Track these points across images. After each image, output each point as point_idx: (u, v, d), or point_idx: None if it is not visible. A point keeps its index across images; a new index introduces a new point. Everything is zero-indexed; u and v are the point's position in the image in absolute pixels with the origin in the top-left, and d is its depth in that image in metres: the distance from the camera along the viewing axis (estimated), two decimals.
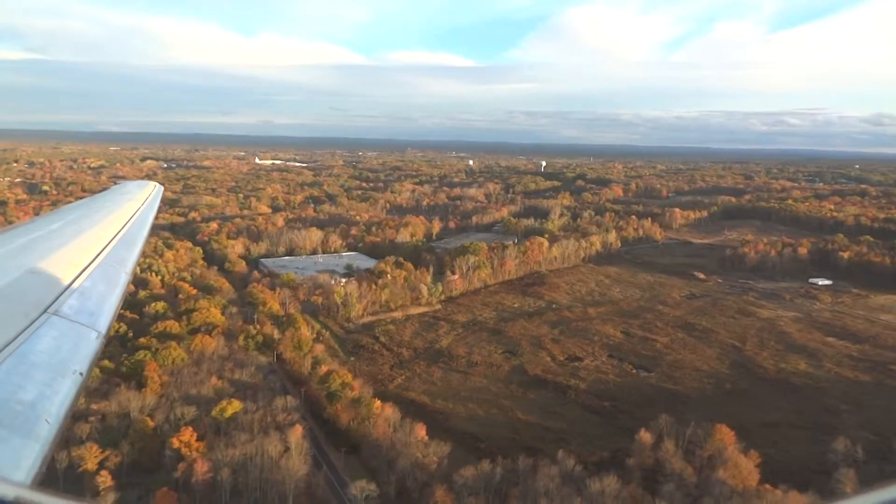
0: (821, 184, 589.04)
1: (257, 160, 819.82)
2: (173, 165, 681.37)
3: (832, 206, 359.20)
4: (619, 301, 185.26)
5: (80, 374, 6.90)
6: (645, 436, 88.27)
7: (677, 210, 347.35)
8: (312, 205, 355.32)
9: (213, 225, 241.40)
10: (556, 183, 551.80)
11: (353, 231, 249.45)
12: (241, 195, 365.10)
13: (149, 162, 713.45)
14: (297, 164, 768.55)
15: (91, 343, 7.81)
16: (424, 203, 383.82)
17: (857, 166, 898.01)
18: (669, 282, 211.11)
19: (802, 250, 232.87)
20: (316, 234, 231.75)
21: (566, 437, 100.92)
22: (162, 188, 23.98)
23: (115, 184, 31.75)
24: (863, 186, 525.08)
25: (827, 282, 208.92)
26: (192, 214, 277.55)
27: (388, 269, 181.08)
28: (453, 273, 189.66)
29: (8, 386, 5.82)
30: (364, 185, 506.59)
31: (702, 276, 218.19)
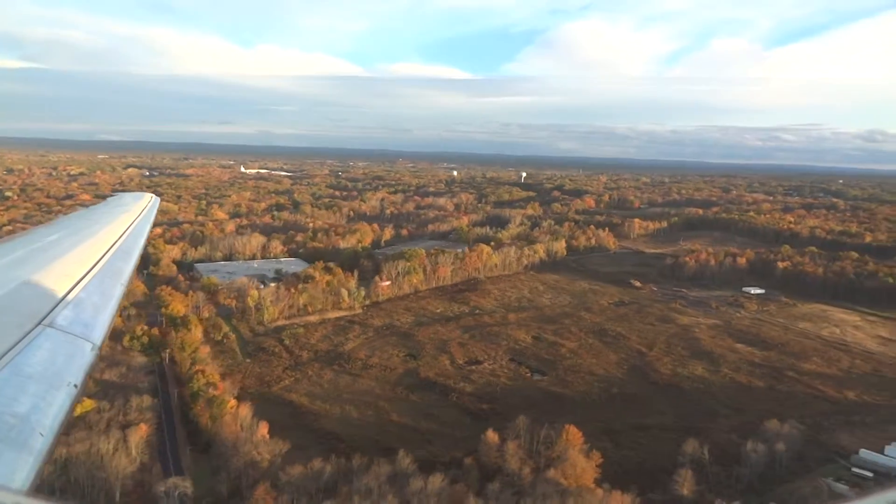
0: (797, 197, 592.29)
1: (242, 169, 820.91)
2: (155, 173, 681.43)
3: (792, 219, 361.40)
4: (544, 307, 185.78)
5: (75, 385, 6.79)
6: (492, 436, 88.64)
7: (637, 220, 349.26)
8: (275, 212, 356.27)
9: (157, 230, 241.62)
10: (531, 193, 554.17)
11: (299, 237, 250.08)
12: (203, 202, 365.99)
13: (130, 170, 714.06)
14: (283, 174, 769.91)
15: (86, 355, 7.68)
16: (389, 211, 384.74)
17: (841, 181, 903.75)
18: (604, 289, 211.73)
19: (742, 260, 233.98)
20: (257, 240, 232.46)
21: (432, 438, 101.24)
22: (158, 200, 24.11)
23: (112, 195, 31.75)
24: (835, 200, 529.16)
25: (759, 291, 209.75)
26: None
27: (316, 274, 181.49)
28: (382, 279, 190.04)
29: (2, 398, 5.74)
30: (337, 193, 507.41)
31: (638, 284, 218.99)
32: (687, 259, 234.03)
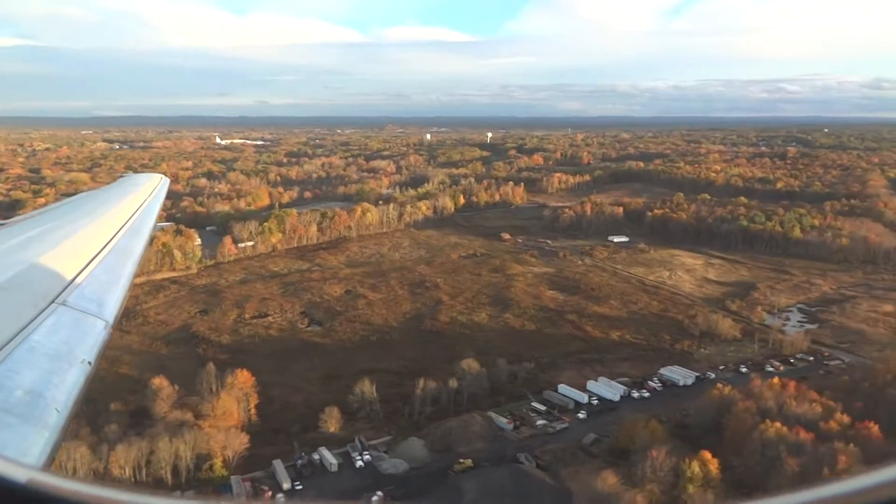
0: (765, 147, 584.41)
1: (217, 140, 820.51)
2: (126, 146, 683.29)
3: (719, 168, 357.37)
4: (388, 262, 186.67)
5: (88, 363, 6.93)
6: (158, 382, 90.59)
7: (557, 175, 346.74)
8: (203, 179, 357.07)
9: (42, 199, 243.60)
10: (485, 153, 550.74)
11: (185, 202, 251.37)
12: (126, 171, 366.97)
13: (100, 143, 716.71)
14: (253, 143, 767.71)
15: (98, 332, 7.82)
16: (316, 176, 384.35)
17: (826, 130, 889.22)
18: (469, 243, 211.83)
19: (619, 210, 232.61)
20: None
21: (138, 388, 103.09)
22: (168, 180, 24.51)
23: (123, 175, 33.37)
24: (790, 150, 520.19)
25: (623, 239, 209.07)
26: (47, 190, 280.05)
27: (159, 236, 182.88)
28: (231, 240, 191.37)
29: (18, 375, 5.83)
30: (285, 160, 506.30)
31: (507, 236, 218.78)
32: (563, 212, 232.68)
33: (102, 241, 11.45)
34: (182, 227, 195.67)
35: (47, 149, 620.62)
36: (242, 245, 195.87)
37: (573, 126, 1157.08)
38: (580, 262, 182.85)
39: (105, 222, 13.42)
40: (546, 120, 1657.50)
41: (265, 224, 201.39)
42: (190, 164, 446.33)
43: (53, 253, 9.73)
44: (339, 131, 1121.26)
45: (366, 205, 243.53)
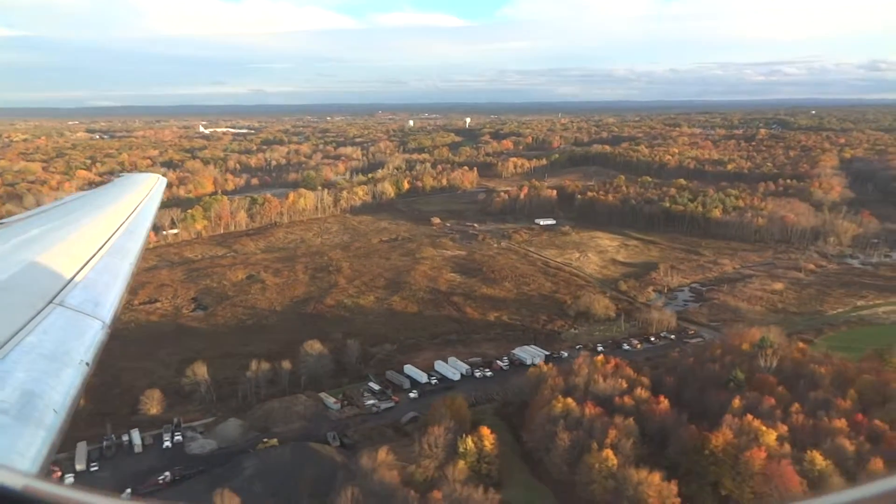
0: (736, 131, 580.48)
1: (201, 128, 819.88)
2: (105, 136, 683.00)
3: (676, 151, 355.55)
4: (305, 247, 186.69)
5: (86, 364, 6.87)
6: None
7: (512, 160, 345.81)
8: (162, 168, 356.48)
9: None
10: (458, 139, 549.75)
11: None
12: (87, 160, 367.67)
13: (79, 133, 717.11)
14: (241, 131, 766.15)
15: (96, 333, 7.76)
16: (275, 163, 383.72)
17: (813, 112, 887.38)
18: (397, 228, 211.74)
19: (553, 193, 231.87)
20: (66, 193, 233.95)
21: None
22: (165, 180, 24.55)
23: (119, 175, 33.72)
24: (762, 132, 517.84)
25: (550, 221, 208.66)
26: None
27: None
28: (157, 228, 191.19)
29: (15, 376, 5.79)
30: (254, 147, 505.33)
31: (437, 221, 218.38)
32: (497, 196, 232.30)
33: (99, 242, 11.39)
34: None
35: (25, 139, 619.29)
36: (165, 232, 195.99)
37: (569, 111, 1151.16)
38: (496, 245, 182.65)
39: (102, 222, 13.26)
40: (542, 105, 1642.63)
41: (189, 211, 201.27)
42: (157, 152, 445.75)
43: (50, 253, 9.67)
44: (328, 118, 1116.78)
45: (302, 191, 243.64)
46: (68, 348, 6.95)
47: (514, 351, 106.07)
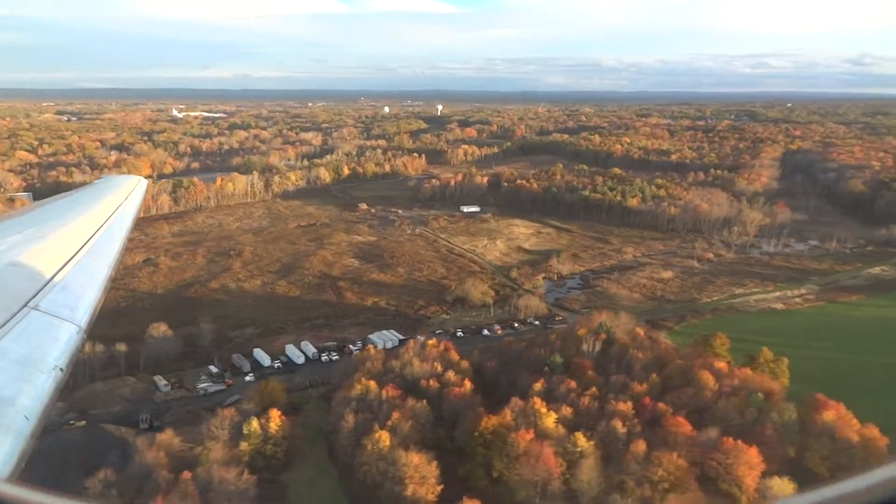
0: (700, 122, 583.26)
1: (174, 112, 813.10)
2: (73, 118, 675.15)
3: (628, 140, 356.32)
4: (221, 231, 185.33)
5: (60, 369, 6.73)
6: None
7: (462, 148, 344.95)
8: (114, 152, 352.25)
9: None
10: (423, 126, 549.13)
11: (53, 172, 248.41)
12: (34, 142, 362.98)
13: (47, 115, 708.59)
14: (215, 116, 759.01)
15: (71, 338, 7.62)
16: (227, 148, 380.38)
17: (790, 105, 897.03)
18: (321, 213, 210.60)
19: (484, 181, 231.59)
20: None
21: None
22: (147, 182, 24.11)
23: (100, 178, 31.64)
24: (722, 124, 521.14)
25: (475, 209, 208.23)
26: None
27: None
28: None
29: None
30: (215, 130, 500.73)
31: (363, 206, 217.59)
32: (426, 183, 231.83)
33: (77, 244, 11.15)
34: (19, 196, 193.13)
35: None
36: None
37: (556, 101, 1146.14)
38: (409, 232, 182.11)
39: (81, 225, 13.07)
40: (529, 94, 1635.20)
41: None
42: (113, 135, 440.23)
43: (28, 255, 9.49)
44: (309, 104, 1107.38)
45: (234, 175, 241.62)
46: (42, 353, 6.86)
47: (369, 336, 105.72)
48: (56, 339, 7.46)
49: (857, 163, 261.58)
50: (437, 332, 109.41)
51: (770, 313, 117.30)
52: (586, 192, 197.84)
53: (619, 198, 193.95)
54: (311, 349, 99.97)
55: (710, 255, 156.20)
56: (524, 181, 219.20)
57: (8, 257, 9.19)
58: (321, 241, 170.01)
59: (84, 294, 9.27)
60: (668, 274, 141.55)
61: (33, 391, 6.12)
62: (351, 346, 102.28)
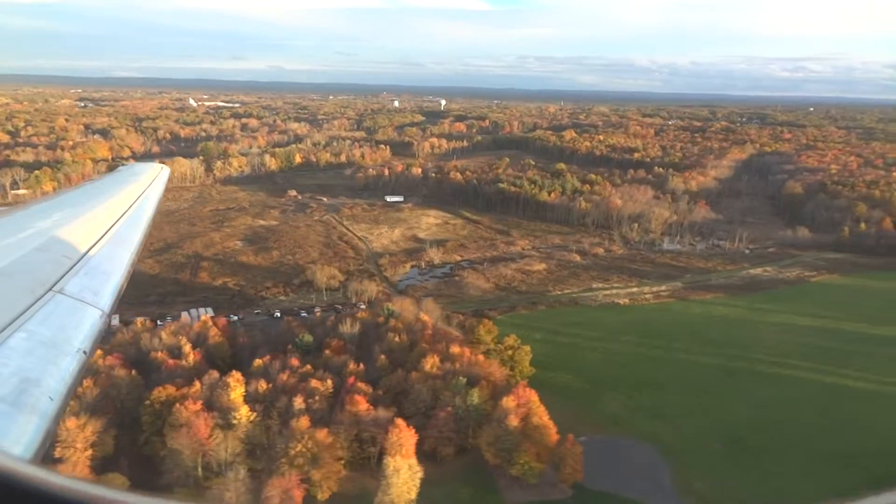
0: (699, 122, 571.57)
1: (191, 101, 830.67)
2: (90, 105, 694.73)
3: (601, 138, 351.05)
4: None
5: (84, 352, 6.90)
6: None
7: (430, 141, 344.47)
8: (93, 136, 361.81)
9: None
10: (417, 119, 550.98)
11: (7, 152, 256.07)
12: (21, 125, 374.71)
13: (63, 101, 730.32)
14: (233, 106, 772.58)
15: (95, 322, 7.80)
16: (205, 134, 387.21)
17: (812, 109, 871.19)
18: (248, 198, 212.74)
19: (418, 172, 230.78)
20: None
21: None
22: (169, 170, 25.24)
23: (123, 165, 33.71)
24: (718, 125, 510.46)
25: (398, 199, 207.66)
26: None
27: None
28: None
29: (13, 362, 5.81)
30: (212, 119, 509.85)
31: (293, 193, 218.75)
32: (361, 172, 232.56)
33: (101, 231, 11.48)
34: None
35: (7, 103, 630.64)
36: (16, 192, 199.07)
37: (589, 100, 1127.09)
38: (315, 218, 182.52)
39: (104, 212, 13.25)
40: (561, 93, 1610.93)
41: (35, 172, 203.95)
42: (107, 120, 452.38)
43: (53, 241, 9.77)
44: (331, 97, 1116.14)
45: (178, 159, 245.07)
46: (67, 336, 6.97)
47: (182, 312, 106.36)
48: (80, 322, 7.42)
49: (817, 166, 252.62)
50: (257, 311, 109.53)
51: (608, 308, 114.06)
52: (503, 186, 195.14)
53: (534, 191, 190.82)
54: (115, 322, 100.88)
55: (600, 251, 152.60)
56: (455, 174, 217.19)
57: (35, 242, 9.17)
58: (221, 224, 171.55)
59: (108, 279, 9.25)
60: (539, 266, 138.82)
61: (58, 373, 6.06)
62: (158, 321, 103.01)
